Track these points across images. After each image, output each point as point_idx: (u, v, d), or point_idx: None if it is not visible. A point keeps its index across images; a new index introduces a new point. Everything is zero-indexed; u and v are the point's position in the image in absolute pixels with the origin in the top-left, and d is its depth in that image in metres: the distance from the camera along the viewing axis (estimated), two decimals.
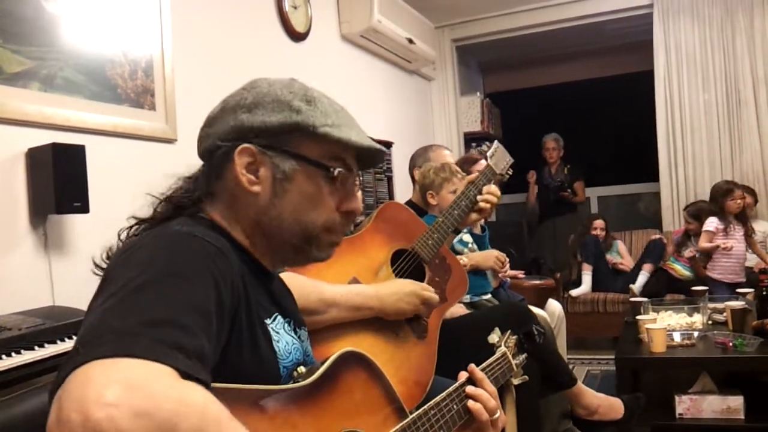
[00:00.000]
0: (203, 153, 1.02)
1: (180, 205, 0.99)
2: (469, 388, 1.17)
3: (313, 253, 1.03)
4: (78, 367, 0.65)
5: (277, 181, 0.96)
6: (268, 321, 0.96)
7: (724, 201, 4.36)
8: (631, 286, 4.83)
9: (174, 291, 0.76)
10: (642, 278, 4.86)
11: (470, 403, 1.16)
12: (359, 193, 2.35)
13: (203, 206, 1.00)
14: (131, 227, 0.99)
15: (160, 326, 0.70)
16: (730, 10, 5.13)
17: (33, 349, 1.65)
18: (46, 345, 1.68)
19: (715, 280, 4.34)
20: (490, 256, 2.89)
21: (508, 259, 3.12)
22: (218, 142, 0.98)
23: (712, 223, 4.38)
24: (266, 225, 0.98)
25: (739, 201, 4.31)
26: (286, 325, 1.01)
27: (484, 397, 1.17)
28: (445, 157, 3.35)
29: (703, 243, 4.38)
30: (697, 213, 4.72)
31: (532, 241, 6.02)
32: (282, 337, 0.97)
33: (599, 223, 5.18)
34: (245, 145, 0.95)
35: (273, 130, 0.95)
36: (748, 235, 4.38)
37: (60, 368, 0.68)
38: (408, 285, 1.73)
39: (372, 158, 1.08)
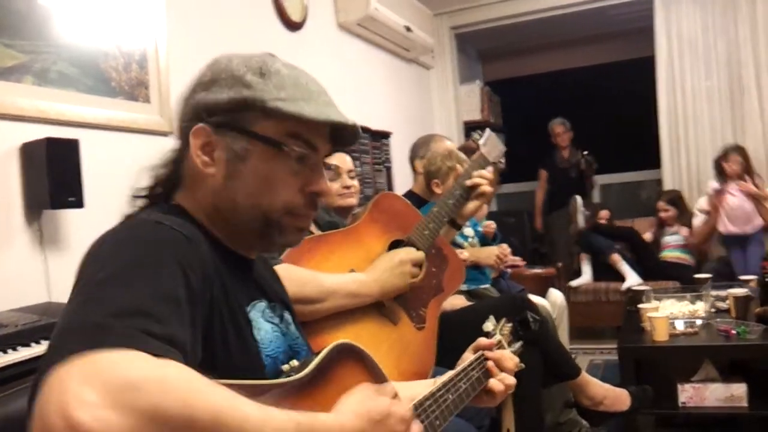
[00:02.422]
0: (176, 134, 1.01)
1: (154, 195, 0.97)
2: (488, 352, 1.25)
3: (276, 238, 0.98)
4: (50, 371, 0.62)
5: (231, 162, 0.93)
6: (247, 308, 0.94)
7: (721, 164, 4.56)
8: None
9: (140, 281, 0.74)
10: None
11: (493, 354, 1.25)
12: (350, 181, 2.33)
13: (174, 193, 0.98)
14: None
15: (128, 317, 0.68)
16: None
17: (29, 345, 1.63)
18: (42, 342, 1.67)
19: (727, 235, 4.46)
20: (491, 254, 2.87)
21: (509, 249, 3.10)
22: (181, 123, 0.96)
23: (710, 186, 4.61)
24: (223, 208, 0.95)
25: (732, 164, 4.48)
26: (268, 310, 0.99)
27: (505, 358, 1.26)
28: (447, 148, 3.32)
29: (704, 206, 4.60)
30: (673, 199, 4.86)
31: (541, 231, 5.97)
32: (262, 324, 0.95)
33: (605, 213, 5.16)
34: (199, 125, 0.92)
35: (224, 107, 0.92)
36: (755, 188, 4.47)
37: (36, 374, 0.66)
38: (394, 256, 1.74)
39: (345, 135, 1.01)
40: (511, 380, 1.24)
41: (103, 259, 0.78)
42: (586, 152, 5.78)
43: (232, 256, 0.97)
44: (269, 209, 0.95)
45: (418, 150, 3.40)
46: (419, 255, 1.77)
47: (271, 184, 0.94)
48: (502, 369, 1.24)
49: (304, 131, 0.95)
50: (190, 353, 0.73)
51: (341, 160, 2.40)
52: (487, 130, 2.20)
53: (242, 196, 0.94)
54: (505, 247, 3.11)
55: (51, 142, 2.08)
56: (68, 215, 2.24)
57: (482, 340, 1.29)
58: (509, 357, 1.26)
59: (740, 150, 4.58)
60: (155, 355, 0.65)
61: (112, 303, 0.70)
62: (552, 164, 5.94)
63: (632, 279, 4.73)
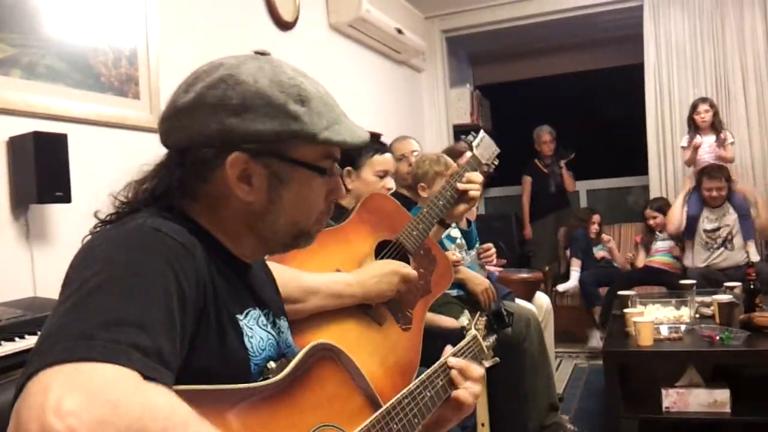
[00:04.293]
0: (174, 146, 0.95)
1: (145, 201, 0.94)
2: (452, 360, 1.20)
3: (301, 244, 1.02)
4: (34, 375, 0.62)
5: (273, 188, 0.92)
6: (240, 317, 0.93)
7: (691, 116, 4.71)
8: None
9: (132, 290, 0.73)
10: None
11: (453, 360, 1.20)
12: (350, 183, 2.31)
13: (173, 200, 0.93)
14: (95, 227, 0.94)
15: (117, 327, 0.68)
16: (720, 2, 5.14)
17: (13, 340, 1.63)
18: (27, 336, 1.66)
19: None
20: (483, 284, 2.82)
21: (494, 250, 3.10)
22: (199, 145, 0.90)
23: (684, 140, 4.80)
24: (261, 229, 0.96)
25: (703, 115, 4.62)
26: (262, 318, 0.98)
27: (464, 368, 1.21)
28: (409, 146, 3.34)
29: (685, 157, 4.77)
30: (660, 206, 4.92)
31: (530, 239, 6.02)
32: (255, 332, 0.95)
33: (597, 218, 5.19)
34: (237, 153, 0.89)
35: (268, 139, 0.89)
36: (722, 143, 4.63)
37: (20, 376, 0.65)
38: (386, 265, 1.73)
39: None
40: (476, 389, 1.20)
41: (97, 263, 0.77)
42: (563, 163, 5.84)
43: (231, 263, 0.96)
44: (306, 224, 0.99)
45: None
46: (412, 273, 1.75)
47: (310, 204, 0.97)
48: (466, 378, 1.20)
49: (335, 150, 0.98)
50: (175, 365, 0.73)
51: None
52: (481, 132, 2.21)
53: (284, 216, 0.95)
54: (489, 246, 3.12)
55: (38, 136, 2.07)
56: (55, 210, 2.23)
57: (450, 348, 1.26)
58: (474, 368, 1.22)
59: (709, 101, 4.73)
60: (142, 374, 0.65)
61: (101, 312, 0.70)
62: (535, 171, 5.98)
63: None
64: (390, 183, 2.38)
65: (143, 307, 0.72)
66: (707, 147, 4.64)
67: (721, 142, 4.62)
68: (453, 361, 1.21)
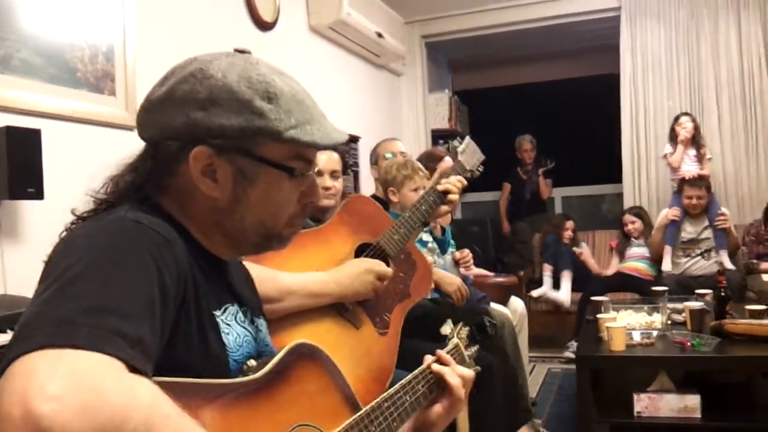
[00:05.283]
0: (148, 139, 0.95)
1: (124, 195, 0.93)
2: (436, 367, 1.19)
3: (273, 246, 1.00)
4: (16, 359, 0.61)
5: (238, 184, 0.91)
6: (217, 312, 0.92)
7: (673, 127, 4.80)
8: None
9: (115, 278, 0.73)
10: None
11: (436, 367, 1.19)
12: (330, 182, 2.30)
13: (155, 195, 0.94)
14: (72, 224, 0.92)
15: (100, 314, 0.67)
16: (696, 14, 5.22)
17: None
18: None
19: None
20: (455, 283, 2.84)
21: (471, 255, 3.12)
22: (167, 138, 0.90)
23: (666, 147, 4.86)
24: (228, 227, 0.95)
25: (685, 124, 4.70)
26: (240, 314, 0.97)
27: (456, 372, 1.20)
28: (393, 147, 3.35)
29: (671, 162, 4.79)
30: (638, 212, 5.03)
31: (503, 241, 6.07)
32: (233, 329, 0.94)
33: (570, 224, 5.23)
34: (201, 147, 0.88)
35: (232, 134, 0.88)
36: (702, 156, 4.75)
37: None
38: (361, 263, 1.73)
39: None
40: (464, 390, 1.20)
41: (78, 253, 0.76)
42: (541, 171, 5.96)
43: (208, 259, 0.95)
44: (274, 225, 0.96)
45: (371, 157, 3.47)
46: (386, 271, 1.75)
47: (279, 204, 0.95)
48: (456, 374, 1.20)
49: (307, 151, 0.95)
50: (155, 356, 0.72)
51: (327, 160, 2.33)
52: (467, 138, 2.22)
53: (250, 216, 0.94)
54: (466, 252, 3.13)
55: (11, 131, 2.04)
56: (27, 206, 2.19)
57: (430, 357, 1.25)
58: (462, 368, 1.22)
59: (691, 116, 4.82)
60: (125, 362, 0.65)
61: (84, 299, 0.69)
62: (515, 178, 6.10)
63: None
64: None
65: (125, 296, 0.72)
66: (687, 159, 4.73)
67: (700, 157, 4.72)
68: (436, 366, 1.20)
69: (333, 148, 0.97)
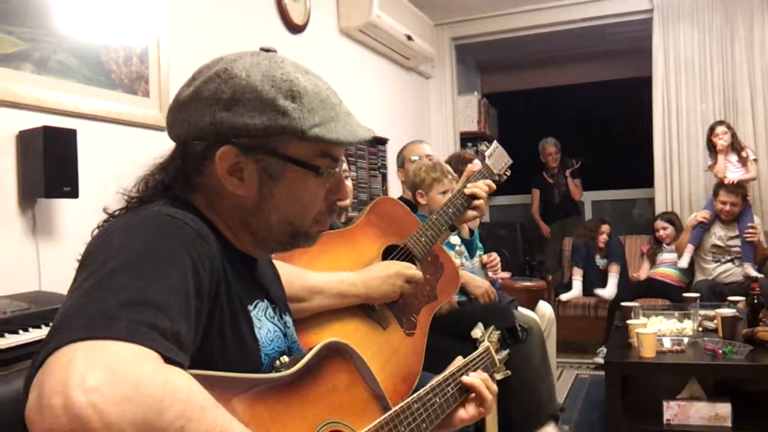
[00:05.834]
0: (176, 139, 0.97)
1: (153, 194, 0.95)
2: (468, 380, 1.21)
3: (300, 244, 1.01)
4: (56, 350, 0.63)
5: (264, 183, 0.92)
6: (250, 307, 0.94)
7: (709, 138, 4.67)
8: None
9: (151, 272, 0.74)
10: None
11: (469, 380, 1.20)
12: (348, 182, 2.32)
13: (187, 193, 0.95)
14: (105, 221, 0.94)
15: (137, 308, 0.69)
16: (730, 17, 5.13)
17: (17, 333, 1.63)
18: (30, 330, 1.67)
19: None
20: (483, 286, 2.84)
21: (499, 259, 3.11)
22: (194, 137, 0.92)
23: (708, 162, 4.76)
24: (254, 225, 0.96)
25: (721, 136, 4.56)
26: (270, 310, 0.99)
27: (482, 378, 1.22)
28: (419, 150, 3.36)
29: (717, 173, 4.62)
30: (670, 218, 4.97)
31: (533, 245, 6.04)
32: (264, 324, 0.95)
33: (606, 228, 5.17)
34: (227, 147, 0.90)
35: (257, 133, 0.89)
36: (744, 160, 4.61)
37: (36, 353, 0.66)
38: (391, 266, 1.72)
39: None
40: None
41: (115, 247, 0.78)
42: (569, 172, 5.91)
43: (238, 255, 0.97)
44: (302, 223, 0.98)
45: (397, 159, 3.50)
46: (416, 274, 1.74)
47: (305, 202, 0.96)
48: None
49: (333, 149, 0.96)
50: (191, 349, 0.74)
51: None
52: (495, 142, 2.21)
53: (276, 214, 0.95)
54: (494, 256, 3.12)
55: (48, 131, 2.08)
56: (62, 205, 2.23)
57: (461, 358, 1.27)
58: (486, 386, 1.23)
59: (726, 123, 4.70)
60: (162, 355, 0.66)
61: (122, 292, 0.70)
62: (542, 183, 6.07)
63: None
64: None
65: (162, 289, 0.73)
66: (731, 166, 4.62)
67: (743, 161, 4.61)
68: (466, 378, 1.21)
69: (359, 144, 0.98)
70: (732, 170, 4.61)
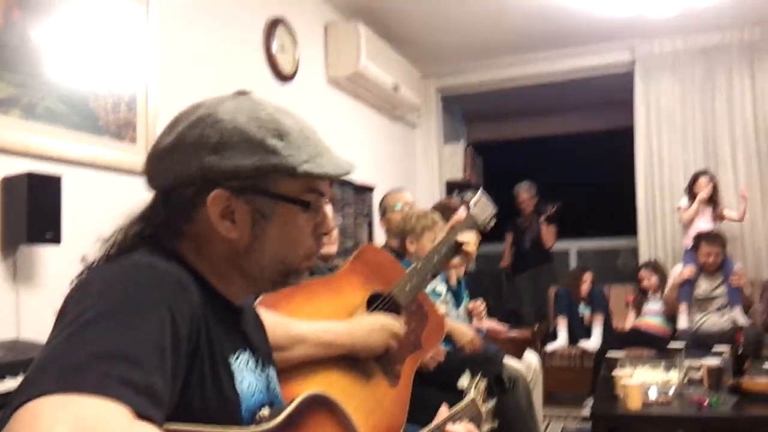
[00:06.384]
0: (159, 188, 0.96)
1: (133, 243, 0.93)
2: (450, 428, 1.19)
3: (290, 282, 1.00)
4: (24, 404, 0.62)
5: (256, 223, 0.92)
6: (231, 359, 0.92)
7: (690, 186, 4.80)
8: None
9: (127, 325, 0.73)
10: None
11: (454, 430, 1.18)
12: (335, 233, 2.31)
13: (162, 241, 0.94)
14: (83, 272, 0.92)
15: (110, 361, 0.67)
16: (710, 70, 5.25)
17: None
18: (7, 377, 1.64)
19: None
20: (468, 335, 2.84)
21: (484, 305, 3.10)
22: (181, 184, 0.91)
23: (682, 201, 4.87)
24: (247, 268, 0.95)
25: (704, 187, 4.69)
26: (251, 361, 0.97)
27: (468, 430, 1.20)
28: (401, 197, 3.39)
29: (683, 217, 4.82)
30: (655, 266, 4.99)
31: (511, 293, 6.00)
32: (245, 377, 0.93)
33: (588, 276, 5.17)
34: (218, 190, 0.89)
35: (247, 174, 0.90)
36: (718, 215, 4.77)
37: (6, 405, 0.64)
38: (377, 319, 1.70)
39: None
40: None
41: (92, 297, 0.77)
42: (543, 218, 5.83)
43: (223, 304, 0.96)
44: (293, 261, 0.97)
45: (379, 207, 3.56)
46: (401, 331, 1.73)
47: (297, 239, 0.96)
48: None
49: (319, 184, 0.97)
50: (167, 403, 0.72)
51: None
52: (480, 190, 2.21)
53: (269, 252, 0.94)
54: (479, 303, 3.11)
55: (32, 177, 2.08)
56: (44, 251, 2.21)
57: (446, 408, 1.26)
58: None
59: (709, 174, 4.80)
60: (133, 410, 0.64)
61: (95, 344, 0.69)
62: (515, 227, 6.01)
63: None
64: None
65: (137, 343, 0.71)
66: (703, 218, 4.71)
67: (717, 216, 4.71)
68: (450, 426, 1.20)
69: (344, 177, 0.99)
70: (703, 221, 4.69)
